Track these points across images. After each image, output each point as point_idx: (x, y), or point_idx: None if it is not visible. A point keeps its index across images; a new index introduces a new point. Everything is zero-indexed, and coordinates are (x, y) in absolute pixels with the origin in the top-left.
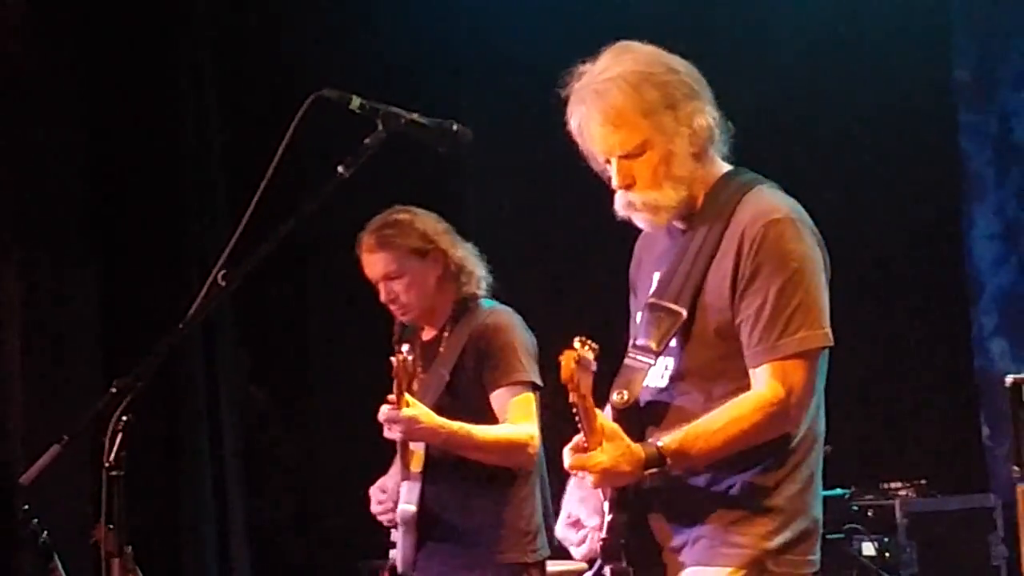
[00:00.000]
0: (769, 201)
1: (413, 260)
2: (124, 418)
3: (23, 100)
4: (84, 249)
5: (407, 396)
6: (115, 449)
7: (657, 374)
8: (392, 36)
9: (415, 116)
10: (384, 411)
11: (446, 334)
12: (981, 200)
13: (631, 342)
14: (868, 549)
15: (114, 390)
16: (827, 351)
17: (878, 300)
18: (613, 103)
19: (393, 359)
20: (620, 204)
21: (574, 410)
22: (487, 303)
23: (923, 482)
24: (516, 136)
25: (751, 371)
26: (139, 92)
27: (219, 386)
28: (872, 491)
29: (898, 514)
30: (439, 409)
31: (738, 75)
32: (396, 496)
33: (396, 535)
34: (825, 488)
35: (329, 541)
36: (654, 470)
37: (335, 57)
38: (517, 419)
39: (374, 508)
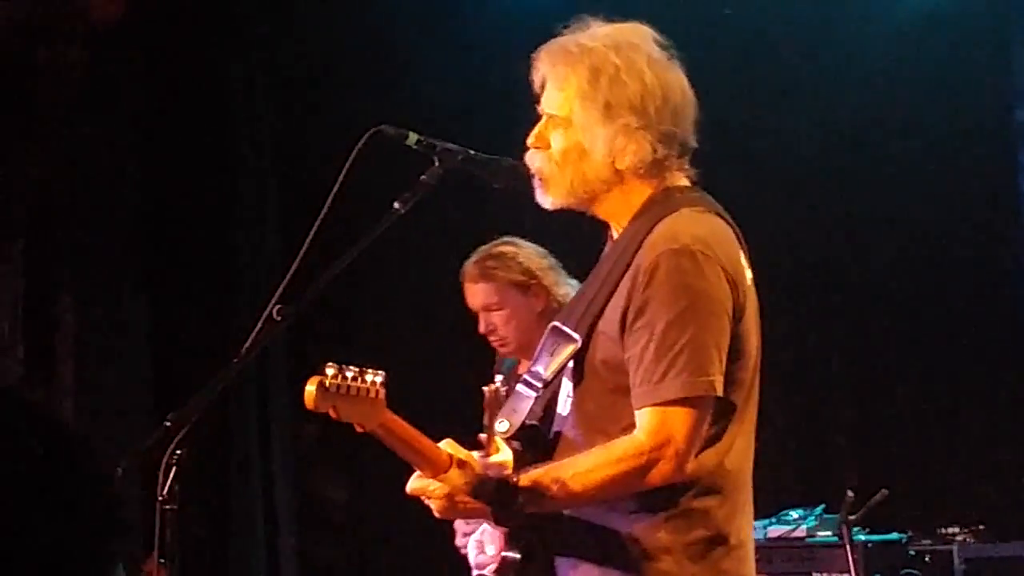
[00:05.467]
0: (672, 229)
1: (513, 293)
2: (177, 452)
3: (79, 132)
4: (137, 280)
5: (497, 441)
6: (168, 483)
7: (562, 401)
8: (448, 73)
9: (472, 152)
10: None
11: None
12: None
13: (529, 366)
14: None
15: (168, 424)
16: (751, 396)
17: (937, 343)
18: (565, 70)
19: (485, 389)
20: (528, 159)
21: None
22: None
23: (981, 527)
24: None
25: (635, 413)
26: (195, 124)
27: (271, 422)
28: (929, 536)
29: (956, 559)
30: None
31: (794, 113)
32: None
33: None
34: (882, 532)
35: None
36: (507, 506)
37: (392, 93)
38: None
39: (458, 540)
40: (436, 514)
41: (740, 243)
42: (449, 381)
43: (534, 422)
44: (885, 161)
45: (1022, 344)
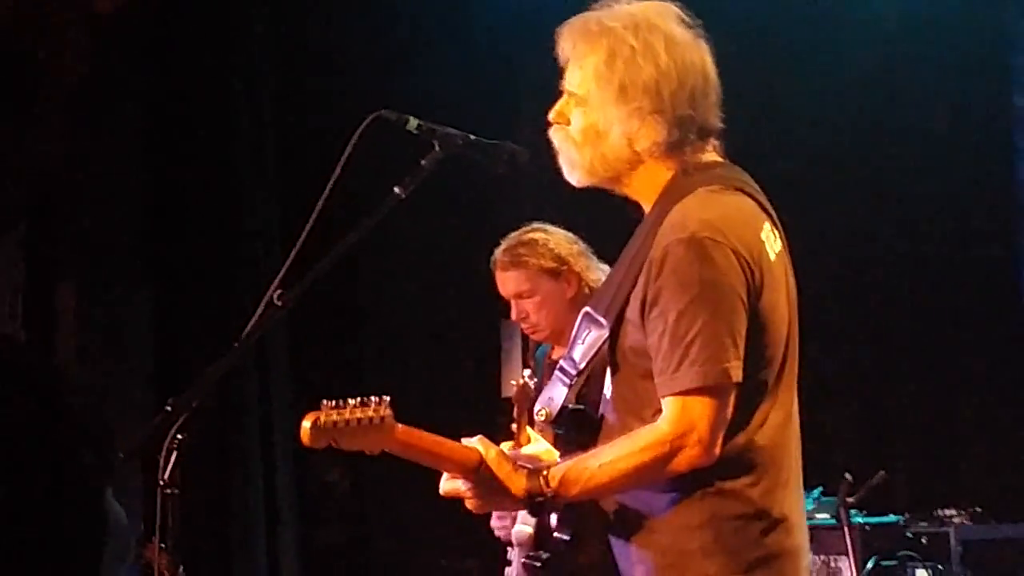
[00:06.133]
0: (682, 216)
1: (545, 280)
2: (179, 437)
3: (82, 121)
4: (139, 268)
5: (528, 431)
6: (169, 467)
7: (608, 386)
8: (450, 58)
9: (472, 137)
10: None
11: None
12: None
13: (564, 352)
14: None
15: (169, 408)
16: (784, 370)
17: (933, 329)
18: (585, 49)
19: (513, 383)
20: (551, 134)
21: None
22: None
23: (978, 509)
24: None
25: (660, 400)
26: (196, 114)
27: (271, 407)
28: (926, 518)
29: (953, 541)
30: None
31: (794, 100)
32: (514, 514)
33: (512, 554)
34: (880, 514)
35: (382, 565)
36: (541, 498)
37: (392, 78)
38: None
39: (494, 523)
40: (472, 511)
41: (765, 213)
42: (452, 364)
43: (580, 406)
44: (880, 152)
45: (1019, 327)
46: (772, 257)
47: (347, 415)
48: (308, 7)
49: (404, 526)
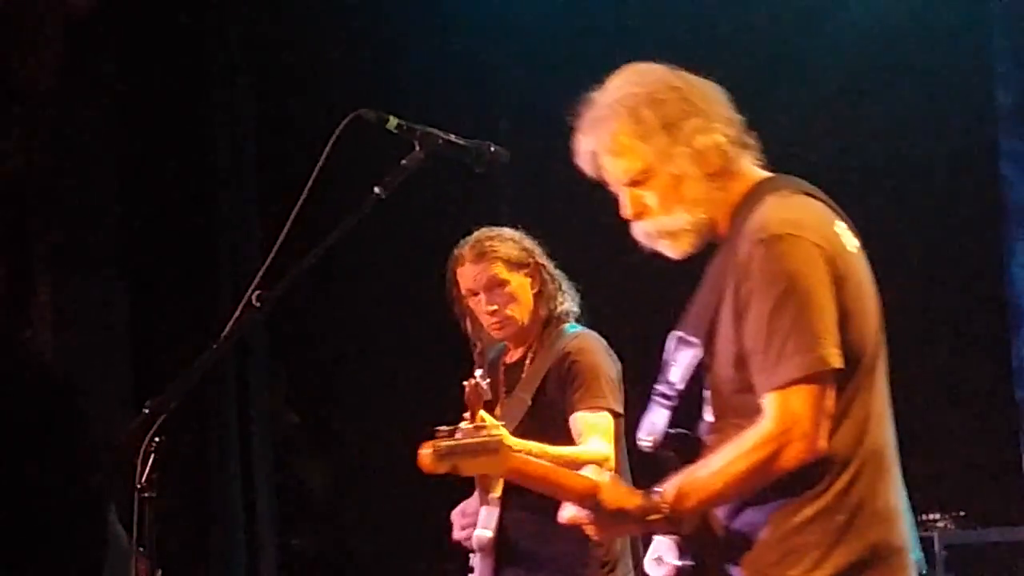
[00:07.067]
0: (760, 217)
1: (515, 271)
2: (156, 439)
3: (55, 119)
4: (116, 267)
5: (482, 413)
6: (147, 471)
7: (707, 408)
8: (429, 57)
9: (452, 137)
10: (460, 428)
11: (530, 357)
12: (1022, 228)
13: (660, 377)
14: None
15: (146, 411)
16: (877, 361)
17: (917, 329)
18: (610, 130)
19: (465, 383)
20: (638, 235)
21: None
22: (571, 327)
23: (962, 514)
24: (552, 157)
25: (760, 402)
26: (174, 109)
27: (251, 409)
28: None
29: (937, 546)
30: (521, 435)
31: (776, 101)
32: (475, 519)
33: (474, 560)
34: None
35: (360, 568)
36: (656, 517)
37: (372, 78)
38: (592, 439)
39: (456, 533)
40: (595, 538)
41: (836, 214)
42: (430, 365)
43: (682, 430)
44: (863, 150)
45: (1004, 331)
46: (852, 250)
47: (463, 441)
48: (286, 6)
49: (382, 530)
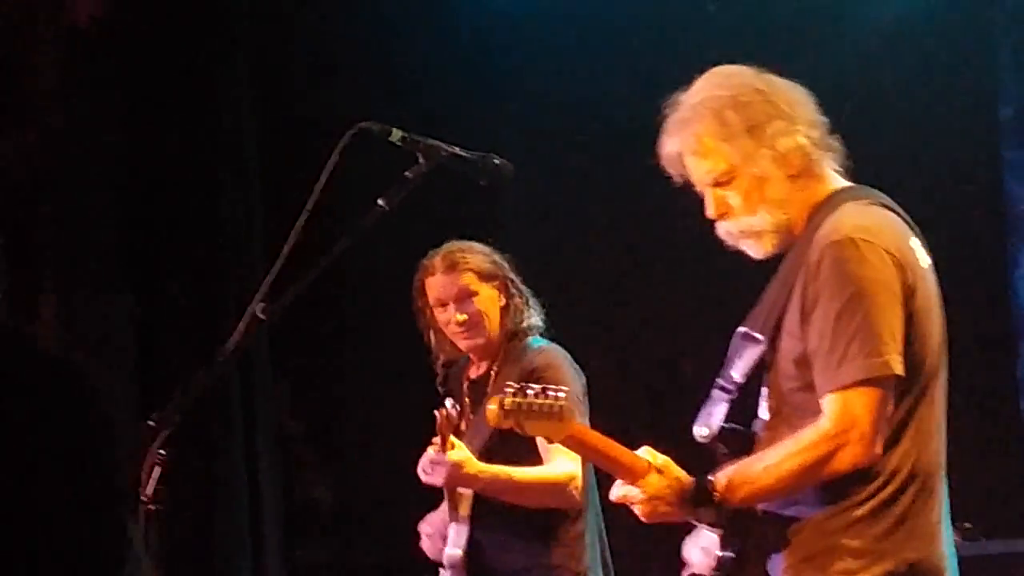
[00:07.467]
0: (836, 221)
1: (485, 282)
2: (161, 452)
3: (61, 128)
4: (120, 280)
5: (452, 438)
6: (152, 483)
7: (763, 405)
8: (433, 70)
9: (456, 149)
10: (428, 454)
11: (494, 372)
12: None
13: (722, 371)
14: None
15: (151, 423)
16: (937, 379)
17: None
18: (695, 131)
19: (437, 413)
20: (722, 234)
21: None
22: (536, 341)
23: (967, 526)
24: (556, 170)
25: (820, 402)
26: (178, 121)
27: (256, 420)
28: None
29: None
30: (488, 451)
31: None
32: (443, 534)
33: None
34: None
35: None
36: (707, 505)
37: (376, 90)
38: (559, 458)
39: (423, 543)
40: (642, 519)
41: (912, 229)
42: (435, 376)
43: (736, 425)
44: (866, 160)
45: (1010, 340)
46: (924, 265)
47: (529, 399)
48: (291, 16)
49: (388, 541)
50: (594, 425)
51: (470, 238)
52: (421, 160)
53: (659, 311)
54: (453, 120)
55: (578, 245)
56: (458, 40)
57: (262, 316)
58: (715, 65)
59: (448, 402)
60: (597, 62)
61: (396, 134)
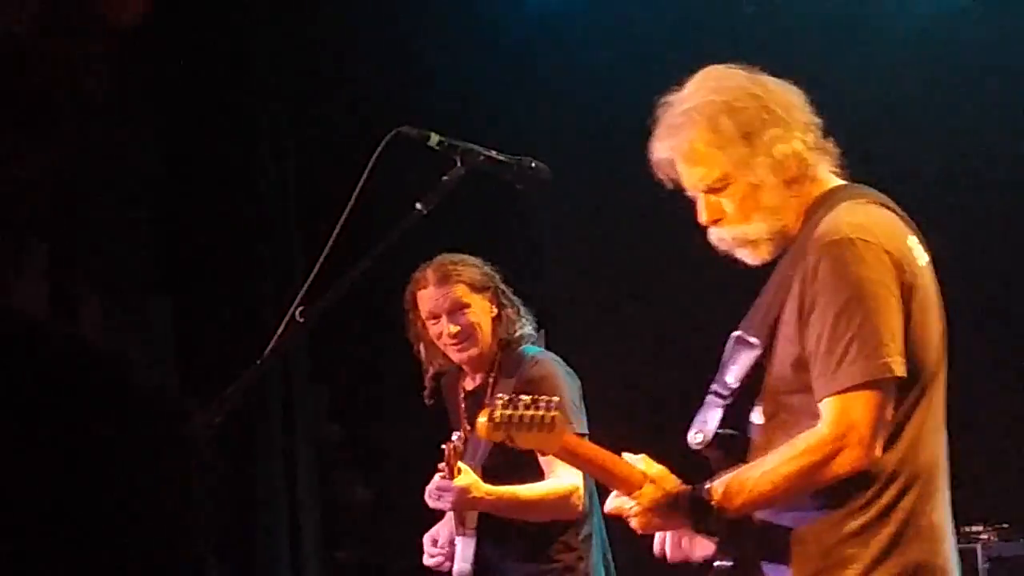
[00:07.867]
0: (833, 221)
1: (477, 294)
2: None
3: (101, 135)
4: (160, 285)
5: (460, 464)
6: None
7: (758, 409)
8: (470, 74)
9: (493, 153)
10: (435, 481)
11: (491, 383)
12: None
13: (716, 377)
14: None
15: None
16: (937, 378)
17: (959, 338)
18: (688, 137)
19: (444, 447)
20: (714, 240)
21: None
22: (530, 350)
23: (1006, 525)
24: (594, 173)
25: (818, 406)
26: (215, 127)
27: (295, 423)
28: (953, 534)
29: (979, 558)
30: (488, 466)
31: (842, 106)
32: (449, 547)
33: None
34: None
35: None
36: (704, 514)
37: (413, 94)
38: (560, 470)
39: (426, 560)
40: (637, 530)
41: (909, 227)
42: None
43: (731, 431)
44: (930, 163)
45: None
46: (922, 264)
47: (519, 412)
48: (329, 22)
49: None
50: (593, 432)
51: (505, 241)
52: (458, 164)
53: (697, 312)
54: (491, 124)
55: (616, 249)
56: (495, 44)
57: (301, 320)
58: (750, 66)
59: (455, 435)
60: (633, 65)
61: (434, 138)
